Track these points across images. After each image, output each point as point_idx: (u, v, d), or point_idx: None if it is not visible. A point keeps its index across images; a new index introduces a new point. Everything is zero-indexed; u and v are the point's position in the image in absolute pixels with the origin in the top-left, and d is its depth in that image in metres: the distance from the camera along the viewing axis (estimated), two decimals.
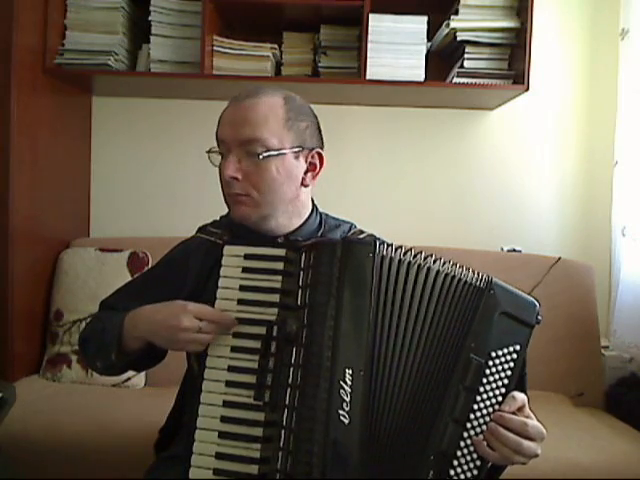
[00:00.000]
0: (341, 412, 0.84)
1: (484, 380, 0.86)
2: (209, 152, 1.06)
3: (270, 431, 0.87)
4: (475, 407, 0.86)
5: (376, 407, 0.86)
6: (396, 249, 0.91)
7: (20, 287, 1.88)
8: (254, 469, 0.86)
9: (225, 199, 1.07)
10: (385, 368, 0.87)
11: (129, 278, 2.00)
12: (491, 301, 0.88)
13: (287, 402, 0.87)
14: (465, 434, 0.85)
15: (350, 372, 0.85)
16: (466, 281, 0.89)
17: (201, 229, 1.17)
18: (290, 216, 1.08)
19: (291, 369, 0.88)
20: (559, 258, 2.09)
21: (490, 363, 0.86)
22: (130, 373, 1.82)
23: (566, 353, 1.96)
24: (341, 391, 0.85)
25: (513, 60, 2.01)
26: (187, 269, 1.11)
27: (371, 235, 1.15)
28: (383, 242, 0.93)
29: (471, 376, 0.86)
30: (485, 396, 0.86)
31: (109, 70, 2.01)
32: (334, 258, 0.89)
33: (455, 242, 2.18)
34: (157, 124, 2.33)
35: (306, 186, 1.08)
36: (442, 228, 2.31)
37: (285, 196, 1.05)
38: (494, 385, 0.86)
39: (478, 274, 0.90)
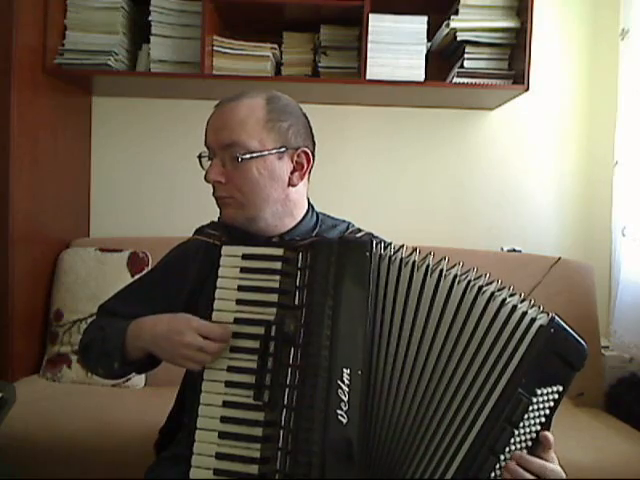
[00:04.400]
0: (339, 412, 0.84)
1: (525, 416, 0.84)
2: (199, 157, 1.08)
3: (270, 431, 0.87)
4: (512, 441, 0.84)
5: (376, 407, 0.86)
6: (398, 249, 0.90)
7: (20, 287, 1.88)
8: (254, 469, 0.86)
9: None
10: (386, 368, 0.87)
11: (129, 278, 2.00)
12: (550, 340, 0.84)
13: (285, 402, 0.87)
14: (497, 466, 0.84)
15: (348, 372, 0.85)
16: (522, 309, 0.85)
17: (198, 230, 1.18)
18: (281, 216, 1.08)
19: (289, 369, 0.88)
20: (559, 258, 2.09)
21: (534, 400, 0.84)
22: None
23: None
24: (339, 391, 0.84)
25: (513, 60, 2.01)
26: (186, 271, 1.11)
27: (369, 234, 1.14)
28: (381, 241, 0.93)
29: (519, 413, 0.83)
30: (522, 431, 0.84)
31: (109, 70, 2.01)
32: (331, 257, 0.89)
33: (455, 242, 2.18)
34: (157, 124, 2.33)
35: (294, 186, 1.07)
36: (442, 228, 2.31)
37: (270, 197, 1.05)
38: (532, 422, 0.84)
39: (536, 305, 0.87)
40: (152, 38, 2.02)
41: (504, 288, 0.88)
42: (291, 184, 1.07)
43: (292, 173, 1.07)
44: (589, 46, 2.29)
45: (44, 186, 2.01)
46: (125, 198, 2.34)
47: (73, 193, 2.24)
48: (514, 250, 2.26)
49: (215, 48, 2.00)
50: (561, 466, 0.87)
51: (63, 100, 2.12)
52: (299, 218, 1.11)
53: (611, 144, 2.19)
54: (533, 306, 0.87)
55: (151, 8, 2.00)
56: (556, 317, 0.86)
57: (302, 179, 1.09)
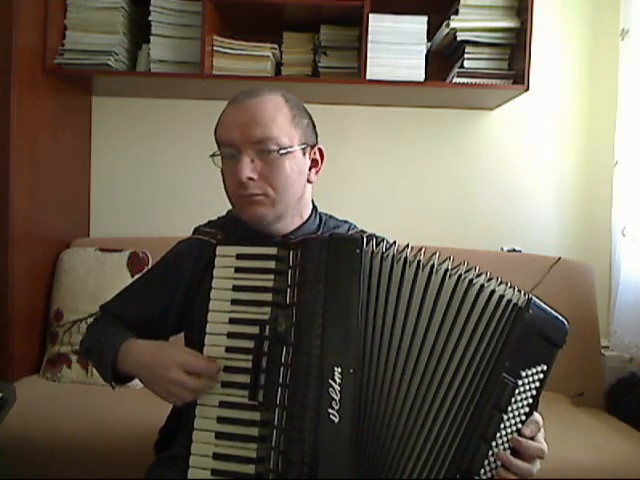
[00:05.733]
0: (330, 411, 0.84)
1: (512, 400, 0.85)
2: (213, 156, 1.05)
3: (265, 431, 0.87)
4: (501, 426, 0.84)
5: (368, 405, 0.86)
6: (389, 246, 0.90)
7: (20, 287, 1.88)
8: (251, 469, 0.86)
9: (233, 202, 1.06)
10: (379, 366, 0.86)
11: (129, 278, 2.00)
12: (529, 321, 0.85)
13: (278, 402, 0.87)
14: (490, 452, 0.84)
15: (339, 370, 0.84)
16: (501, 294, 0.86)
17: (196, 230, 1.17)
18: (294, 214, 1.08)
19: (281, 368, 0.87)
20: (559, 258, 2.09)
21: (519, 382, 0.85)
22: None
23: (566, 353, 1.91)
24: (330, 390, 0.84)
25: (513, 60, 2.01)
26: (180, 270, 1.10)
27: (371, 235, 1.13)
28: (375, 239, 0.92)
29: (505, 398, 0.84)
30: (511, 415, 0.85)
31: (109, 70, 2.01)
32: (321, 255, 0.88)
33: (455, 242, 2.18)
34: (157, 124, 2.33)
35: (310, 182, 1.09)
36: (442, 228, 2.31)
37: (297, 194, 1.05)
38: (520, 404, 0.85)
39: (512, 287, 0.87)
40: (152, 38, 2.02)
41: (492, 279, 0.88)
42: (308, 180, 1.08)
43: (309, 170, 1.08)
44: (589, 46, 2.29)
45: (44, 186, 2.01)
46: (125, 198, 2.34)
47: (73, 193, 2.24)
48: (514, 250, 2.26)
49: (215, 48, 2.01)
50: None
51: (63, 100, 2.12)
52: (305, 218, 1.11)
53: (611, 144, 2.19)
54: (510, 288, 0.87)
55: (151, 8, 2.01)
56: (533, 297, 0.86)
57: (317, 176, 1.10)
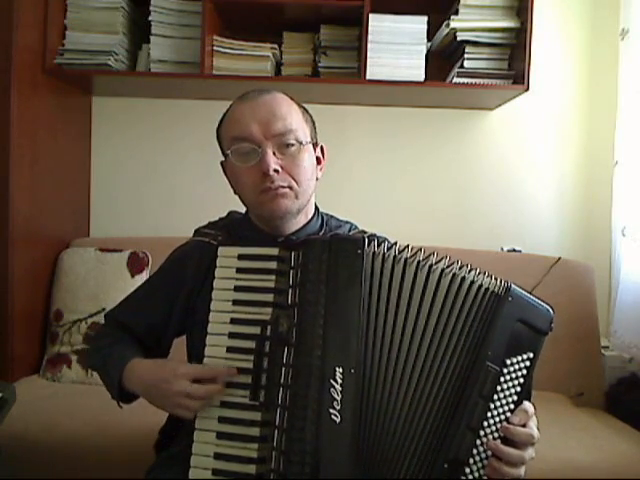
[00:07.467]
0: (332, 411, 0.84)
1: (498, 388, 0.85)
2: (231, 154, 1.03)
3: (266, 431, 0.87)
4: (488, 415, 0.85)
5: (369, 406, 0.86)
6: (390, 246, 0.90)
7: (20, 287, 1.88)
8: (252, 469, 0.86)
9: (251, 199, 1.05)
10: (380, 366, 0.87)
11: (129, 278, 2.01)
12: (509, 308, 0.86)
13: (279, 402, 0.87)
14: (478, 442, 0.85)
15: (340, 371, 0.85)
16: (486, 287, 0.87)
17: (196, 232, 1.17)
18: (304, 211, 1.10)
19: (283, 369, 0.88)
20: (559, 258, 2.09)
21: (505, 371, 0.85)
22: None
23: (566, 353, 1.95)
24: (331, 390, 0.84)
25: (513, 60, 2.02)
26: (184, 273, 1.10)
27: (372, 235, 1.14)
28: (377, 239, 0.92)
29: (488, 385, 0.85)
30: (498, 403, 0.85)
31: (109, 70, 2.01)
32: (322, 255, 0.89)
33: (455, 242, 2.18)
34: (157, 124, 2.33)
35: (317, 179, 1.11)
36: (442, 228, 2.31)
37: (313, 187, 1.08)
38: (507, 393, 0.86)
39: (496, 279, 0.88)
40: (152, 38, 2.02)
41: (481, 273, 0.89)
42: (317, 177, 1.11)
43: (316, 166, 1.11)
44: (589, 46, 2.29)
45: (44, 186, 2.01)
46: (125, 198, 2.34)
47: (73, 193, 2.24)
48: (514, 250, 2.26)
49: (215, 48, 2.01)
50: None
51: (63, 100, 2.12)
52: (309, 217, 1.12)
53: (611, 144, 2.19)
54: (494, 280, 0.88)
55: (151, 8, 2.01)
56: (513, 285, 0.87)
57: (321, 172, 1.13)
